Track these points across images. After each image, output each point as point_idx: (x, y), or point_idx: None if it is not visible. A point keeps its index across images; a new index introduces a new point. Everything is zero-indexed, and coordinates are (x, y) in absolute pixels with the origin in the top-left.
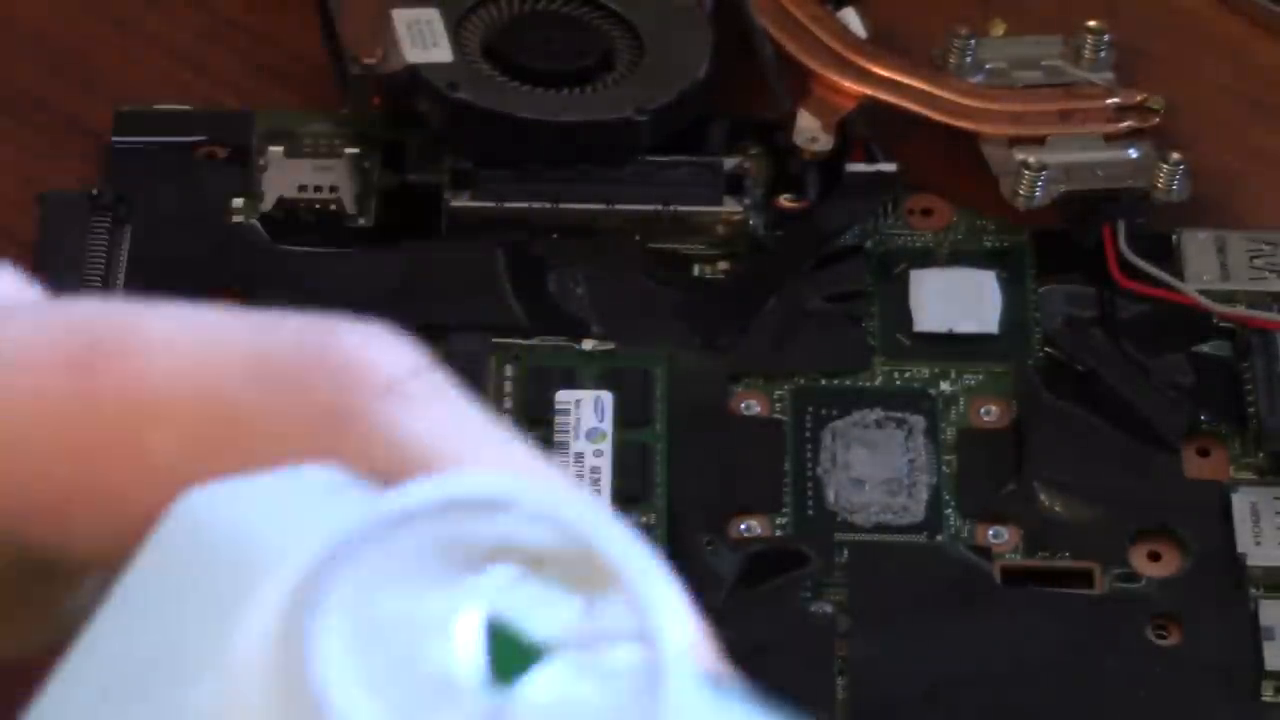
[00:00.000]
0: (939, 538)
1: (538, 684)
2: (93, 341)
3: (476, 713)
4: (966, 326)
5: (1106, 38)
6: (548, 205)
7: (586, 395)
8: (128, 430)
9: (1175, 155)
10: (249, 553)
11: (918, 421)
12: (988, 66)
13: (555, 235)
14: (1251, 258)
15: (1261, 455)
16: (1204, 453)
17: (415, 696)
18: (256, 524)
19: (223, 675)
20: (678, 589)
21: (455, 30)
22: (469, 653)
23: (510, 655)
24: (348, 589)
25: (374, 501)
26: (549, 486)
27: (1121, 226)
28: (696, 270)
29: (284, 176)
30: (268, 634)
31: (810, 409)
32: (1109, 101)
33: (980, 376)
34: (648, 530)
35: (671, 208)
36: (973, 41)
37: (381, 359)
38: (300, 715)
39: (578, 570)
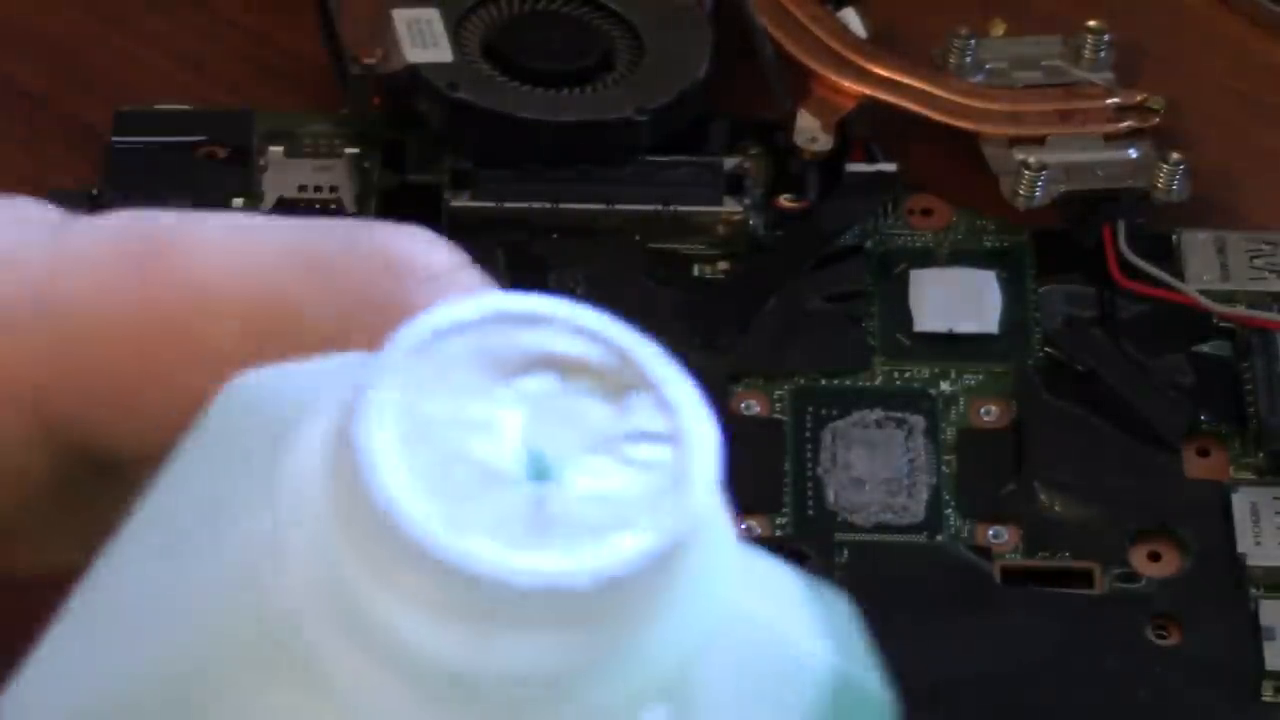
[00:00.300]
0: (939, 538)
1: (576, 476)
2: (149, 241)
3: (520, 499)
4: (966, 326)
5: (1106, 38)
6: (548, 205)
7: None
8: (185, 323)
9: (1175, 155)
10: (297, 410)
11: (918, 421)
12: (988, 66)
13: (555, 235)
14: (1251, 258)
15: (1261, 455)
16: (1204, 453)
17: (463, 487)
18: (304, 392)
19: (280, 497)
20: (701, 398)
21: (455, 30)
22: (511, 447)
23: (550, 451)
24: (394, 395)
25: (417, 319)
26: (583, 310)
27: (1121, 226)
28: (696, 270)
29: (284, 176)
30: (323, 444)
31: (810, 409)
32: (1109, 101)
33: (980, 376)
34: None
35: (671, 208)
36: (973, 41)
37: (423, 253)
38: (357, 511)
39: (610, 378)
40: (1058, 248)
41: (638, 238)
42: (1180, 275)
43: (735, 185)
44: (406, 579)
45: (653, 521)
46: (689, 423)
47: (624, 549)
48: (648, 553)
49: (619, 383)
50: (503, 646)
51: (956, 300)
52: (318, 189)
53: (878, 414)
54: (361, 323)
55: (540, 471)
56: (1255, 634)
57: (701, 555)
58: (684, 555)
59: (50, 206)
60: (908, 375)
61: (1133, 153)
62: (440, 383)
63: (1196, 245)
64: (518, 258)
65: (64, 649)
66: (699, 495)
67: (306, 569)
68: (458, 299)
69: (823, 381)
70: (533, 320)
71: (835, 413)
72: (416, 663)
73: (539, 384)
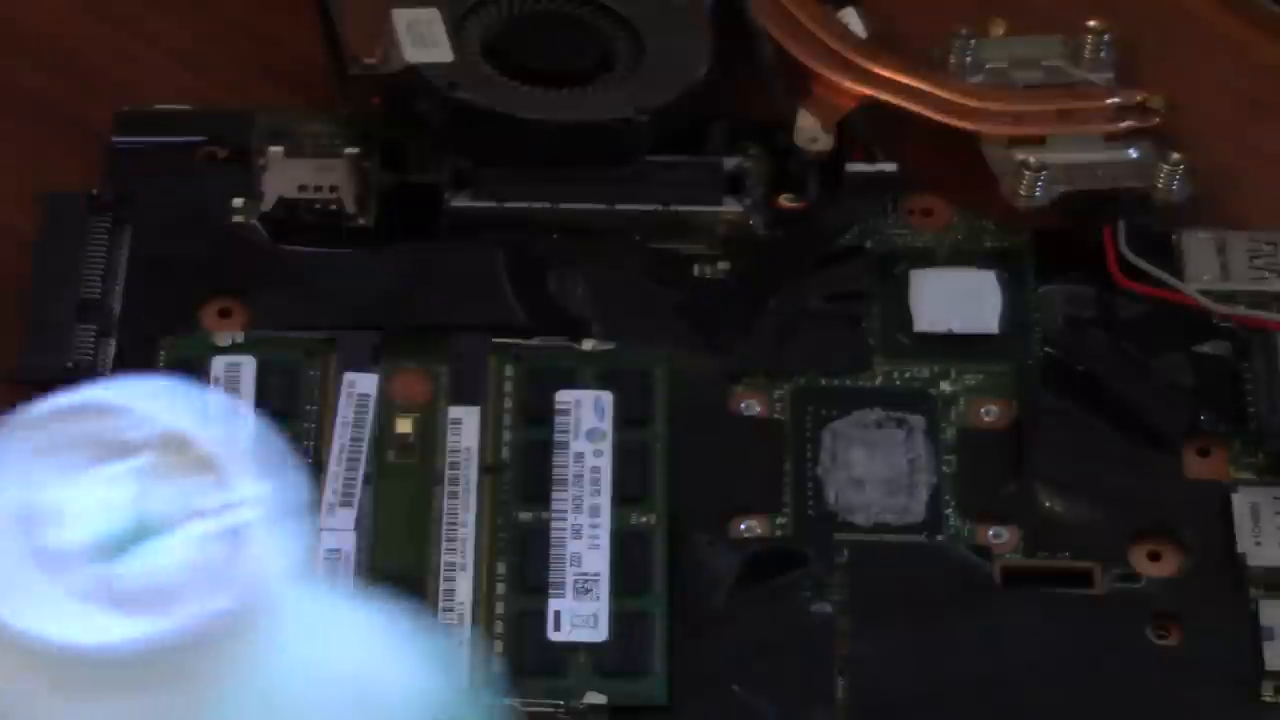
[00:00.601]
0: (939, 538)
1: (147, 552)
2: None
3: (85, 579)
4: (966, 326)
5: (1106, 38)
6: (548, 205)
7: (586, 395)
8: None
9: (1175, 155)
10: None
11: (918, 421)
12: (988, 66)
13: (555, 235)
14: (1251, 258)
15: (1261, 455)
16: (1204, 453)
17: (29, 571)
18: None
19: None
20: (257, 470)
21: (455, 30)
22: (83, 531)
23: (126, 532)
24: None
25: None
26: (161, 393)
27: (1121, 226)
28: (696, 270)
29: (284, 176)
30: None
31: (810, 409)
32: (1109, 101)
33: (980, 376)
34: (648, 530)
35: (671, 208)
36: (973, 41)
37: None
38: None
39: (183, 460)
40: (1058, 248)
41: (638, 238)
42: (1180, 275)
43: (735, 185)
44: None
45: (207, 593)
46: (241, 493)
47: (179, 616)
48: (198, 620)
49: (189, 464)
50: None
51: (956, 300)
52: (318, 189)
53: (878, 414)
54: None
55: (108, 551)
56: (1255, 634)
57: (271, 623)
58: (244, 622)
59: None
60: (908, 375)
61: (1133, 153)
62: (15, 471)
63: (1196, 245)
64: (518, 258)
65: None
66: (254, 569)
67: None
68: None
69: (823, 381)
70: (108, 410)
71: (835, 413)
72: None
73: (117, 469)
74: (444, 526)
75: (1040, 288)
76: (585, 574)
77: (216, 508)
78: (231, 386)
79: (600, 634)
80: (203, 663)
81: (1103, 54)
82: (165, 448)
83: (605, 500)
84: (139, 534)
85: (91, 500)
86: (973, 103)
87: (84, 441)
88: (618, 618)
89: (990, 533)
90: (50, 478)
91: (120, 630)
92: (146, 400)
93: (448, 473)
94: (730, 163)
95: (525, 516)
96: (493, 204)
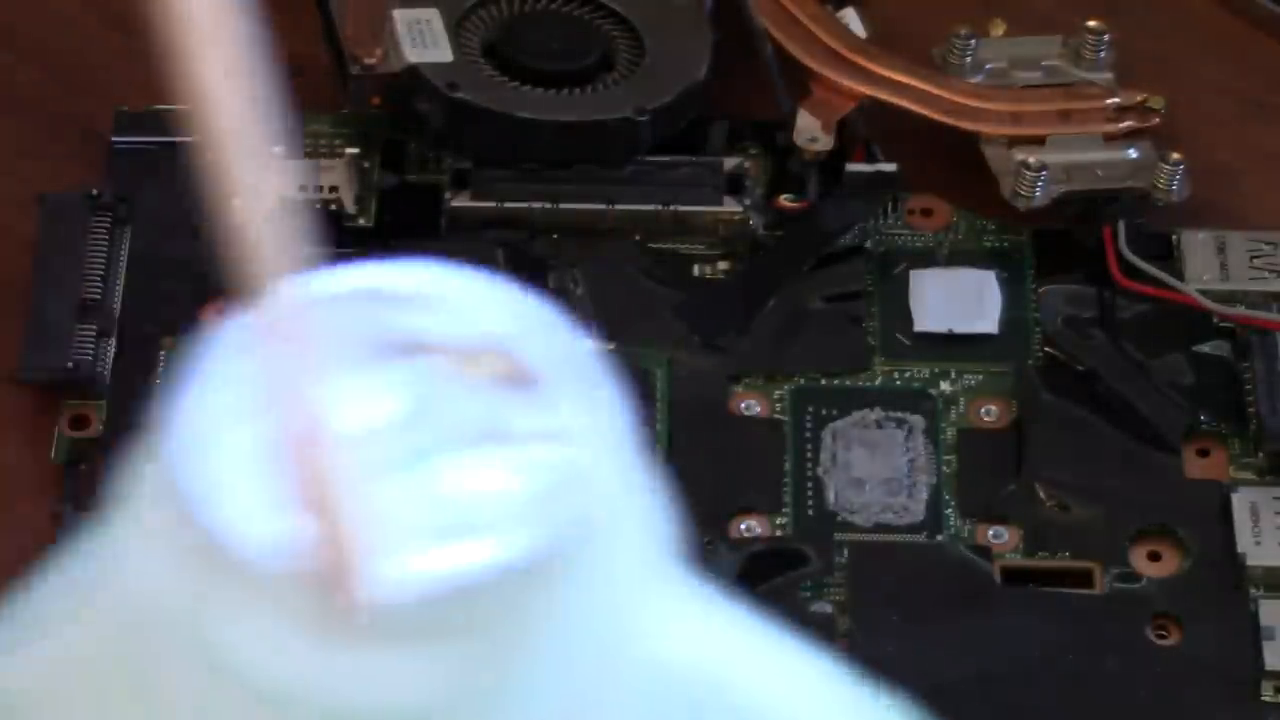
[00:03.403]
0: (939, 538)
1: (456, 470)
2: None
3: (395, 487)
4: (966, 326)
5: (1106, 38)
6: (548, 205)
7: None
8: None
9: (1175, 155)
10: None
11: (918, 421)
12: (988, 66)
13: (555, 235)
14: (1251, 258)
15: (1261, 455)
16: (1204, 453)
17: (333, 463)
18: None
19: (126, 509)
20: (606, 391)
21: (455, 30)
22: (369, 436)
23: (417, 444)
24: (228, 371)
25: (302, 283)
26: (479, 286)
27: (1121, 226)
28: (696, 270)
29: (284, 176)
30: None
31: (810, 409)
32: (1109, 101)
33: (980, 376)
34: None
35: (671, 208)
36: (973, 41)
37: None
38: (175, 501)
39: (500, 368)
40: (1058, 248)
41: (638, 238)
42: (1180, 275)
43: (735, 185)
44: (227, 576)
45: (524, 526)
46: (585, 420)
47: (482, 554)
48: (509, 559)
49: (509, 373)
50: (343, 664)
51: (956, 300)
52: (318, 189)
53: (878, 414)
54: None
55: (403, 464)
56: (1255, 634)
57: (600, 579)
58: (562, 572)
59: None
60: (908, 375)
61: (1133, 153)
62: (298, 362)
63: (1196, 245)
64: (518, 258)
65: None
66: (585, 502)
67: (141, 580)
68: (330, 270)
69: (823, 381)
70: (423, 301)
71: (835, 413)
72: (258, 684)
73: (424, 368)
74: None
75: (1040, 288)
76: None
77: (532, 431)
78: None
79: None
80: (495, 615)
81: (1103, 54)
82: (474, 354)
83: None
84: (430, 450)
85: (392, 401)
86: (973, 103)
87: (394, 332)
88: None
89: (990, 533)
90: (343, 367)
91: (398, 567)
92: (457, 295)
93: None
94: (730, 163)
95: None
96: (493, 204)
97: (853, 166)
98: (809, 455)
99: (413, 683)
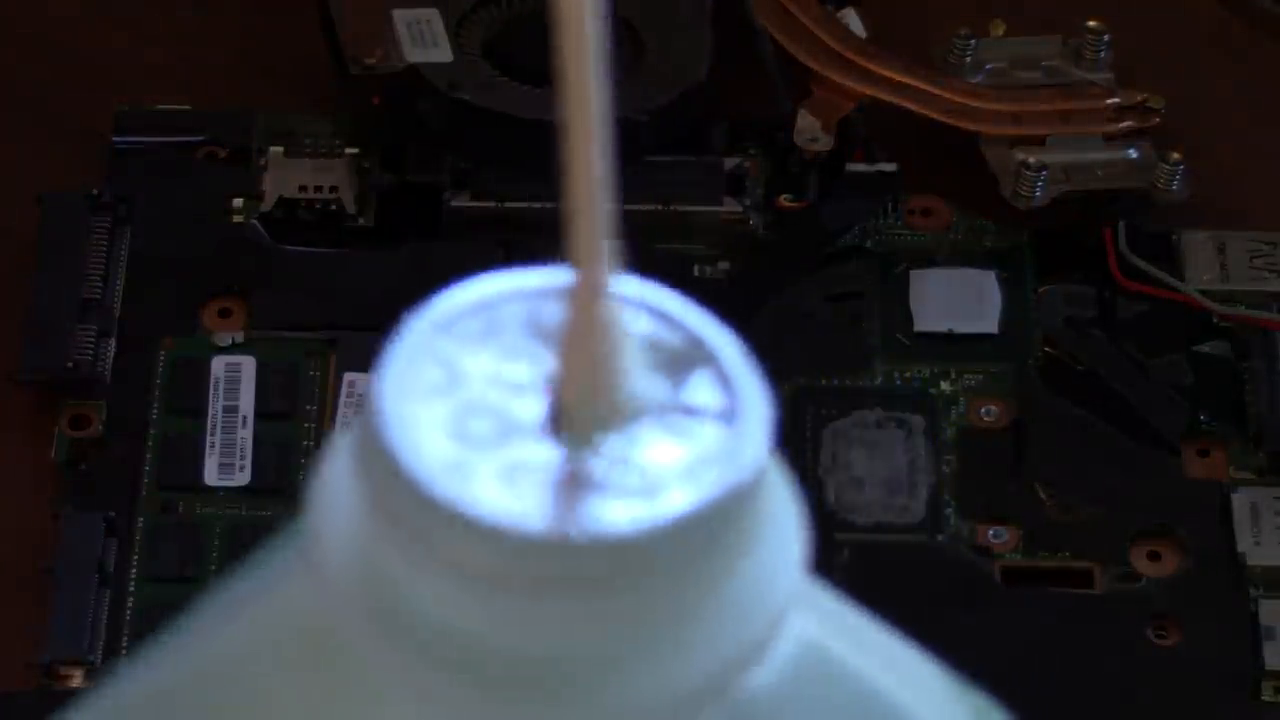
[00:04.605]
0: (939, 538)
1: (621, 441)
2: None
3: (556, 457)
4: (966, 326)
5: (1106, 38)
6: (548, 205)
7: None
8: None
9: (1175, 155)
10: None
11: (918, 421)
12: (988, 66)
13: (555, 235)
14: (1251, 258)
15: (1261, 455)
16: (1204, 453)
17: (493, 440)
18: None
19: (316, 494)
20: (759, 378)
21: (455, 30)
22: (551, 408)
23: (592, 415)
24: (426, 345)
25: (475, 282)
26: (644, 284)
27: (1121, 226)
28: (696, 270)
29: (284, 176)
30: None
31: (810, 409)
32: (1109, 101)
33: (980, 376)
34: None
35: (671, 208)
36: (973, 41)
37: None
38: (378, 464)
39: (668, 353)
40: (1058, 248)
41: (638, 238)
42: (1180, 275)
43: (735, 185)
44: (430, 532)
45: (698, 482)
46: (748, 400)
47: (666, 505)
48: (692, 507)
49: (675, 357)
50: (533, 616)
51: (956, 300)
52: (318, 189)
53: (878, 414)
54: None
55: (580, 434)
56: (1255, 634)
57: (758, 548)
58: (732, 526)
59: None
60: (908, 375)
61: (1133, 153)
62: (483, 342)
63: (1196, 245)
64: (518, 258)
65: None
66: (750, 474)
67: (339, 557)
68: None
69: (823, 381)
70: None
71: (835, 413)
72: (453, 643)
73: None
74: None
75: (1040, 288)
76: None
77: (714, 409)
78: (231, 386)
79: None
80: (677, 572)
81: (1103, 54)
82: (659, 339)
83: None
84: (615, 421)
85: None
86: (973, 103)
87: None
88: None
89: (990, 533)
90: (524, 349)
91: (583, 519)
92: (637, 286)
93: None
94: (730, 163)
95: None
96: (493, 204)
97: (853, 166)
98: (809, 455)
99: (591, 630)
